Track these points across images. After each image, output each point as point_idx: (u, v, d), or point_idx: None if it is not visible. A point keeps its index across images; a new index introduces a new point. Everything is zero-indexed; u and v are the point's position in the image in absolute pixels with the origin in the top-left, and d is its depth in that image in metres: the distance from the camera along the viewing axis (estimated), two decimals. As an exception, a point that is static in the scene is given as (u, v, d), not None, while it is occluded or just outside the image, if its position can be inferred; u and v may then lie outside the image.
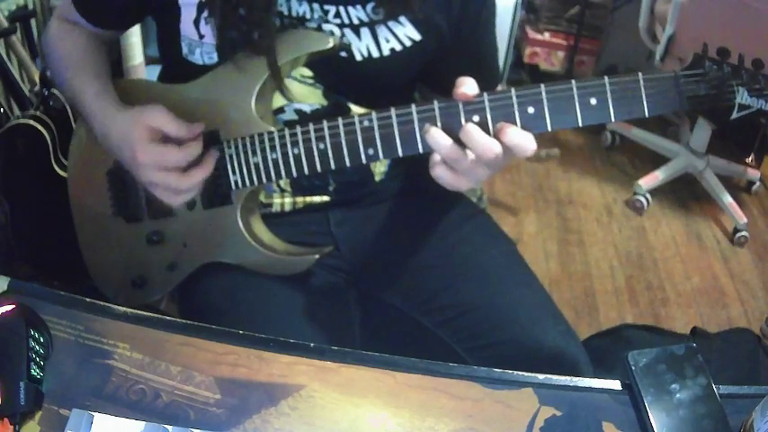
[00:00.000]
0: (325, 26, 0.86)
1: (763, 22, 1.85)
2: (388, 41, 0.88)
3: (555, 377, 0.68)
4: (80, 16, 0.93)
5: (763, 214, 2.52)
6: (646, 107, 0.70)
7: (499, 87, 0.74)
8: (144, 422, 0.61)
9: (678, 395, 0.63)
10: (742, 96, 0.68)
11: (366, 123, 0.77)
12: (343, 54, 0.87)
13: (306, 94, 0.91)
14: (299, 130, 0.81)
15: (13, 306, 0.64)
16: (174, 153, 0.81)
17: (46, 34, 0.98)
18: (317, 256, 0.91)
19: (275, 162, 0.83)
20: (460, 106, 0.72)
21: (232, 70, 0.86)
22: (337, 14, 0.86)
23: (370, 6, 0.86)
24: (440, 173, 0.73)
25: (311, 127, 0.80)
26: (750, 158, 2.68)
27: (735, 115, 0.69)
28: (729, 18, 1.95)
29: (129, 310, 0.70)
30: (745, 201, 2.56)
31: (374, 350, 0.69)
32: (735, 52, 0.69)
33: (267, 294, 0.92)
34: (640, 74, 0.69)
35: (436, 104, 0.73)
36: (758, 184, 2.59)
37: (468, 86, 0.72)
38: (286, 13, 0.86)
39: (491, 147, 0.70)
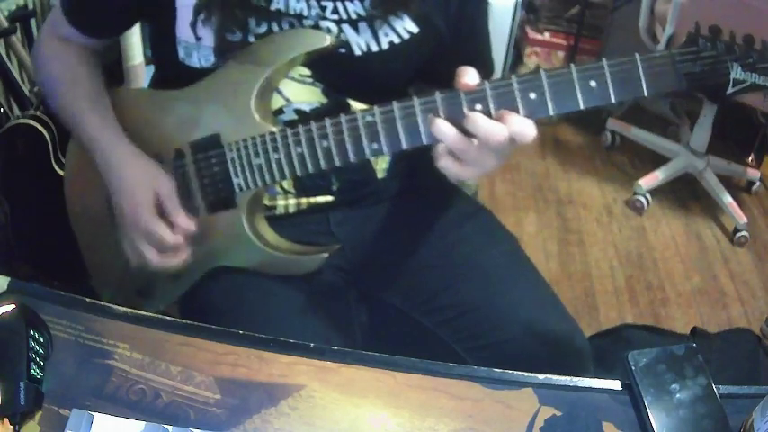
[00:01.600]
0: (323, 23, 0.86)
1: (764, 21, 1.85)
2: (386, 35, 0.88)
3: (555, 377, 0.68)
4: (73, 28, 0.92)
5: (763, 214, 2.52)
6: (644, 87, 0.70)
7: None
8: (144, 422, 0.61)
9: (678, 395, 0.63)
10: (736, 72, 0.68)
11: (369, 118, 0.77)
12: (342, 50, 0.87)
13: (305, 94, 0.91)
14: (301, 129, 0.81)
15: (13, 306, 0.64)
16: (167, 235, 0.87)
17: (35, 52, 0.97)
18: (326, 255, 0.91)
19: (278, 162, 0.83)
20: (462, 95, 0.72)
21: (230, 73, 0.86)
22: (335, 10, 0.86)
23: (367, 0, 0.86)
24: (446, 163, 0.73)
25: (313, 125, 0.80)
26: (750, 158, 2.68)
27: (730, 90, 0.69)
28: (730, 18, 1.95)
29: (129, 310, 0.70)
30: (745, 201, 2.55)
31: (374, 350, 0.69)
32: (727, 33, 0.70)
33: (267, 294, 0.92)
34: (637, 54, 0.70)
35: (438, 95, 0.73)
36: (758, 184, 2.59)
37: (469, 76, 0.72)
38: (283, 10, 0.86)
39: (497, 131, 0.70)
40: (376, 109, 0.76)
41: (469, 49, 0.94)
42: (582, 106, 0.71)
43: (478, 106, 0.72)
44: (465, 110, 0.72)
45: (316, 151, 0.81)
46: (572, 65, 0.71)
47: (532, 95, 0.71)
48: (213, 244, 0.92)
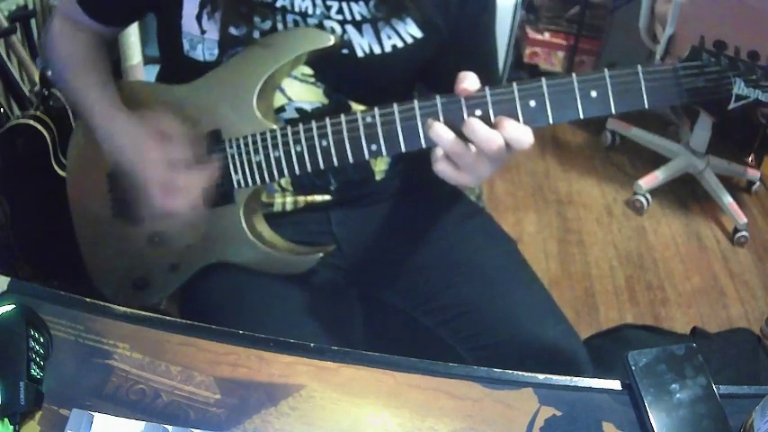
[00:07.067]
0: (327, 22, 0.86)
1: (764, 21, 1.85)
2: (389, 38, 0.88)
3: (555, 377, 0.68)
4: (83, 13, 0.93)
5: (763, 214, 2.52)
6: (646, 99, 0.70)
7: None
8: (144, 422, 0.61)
9: (678, 395, 0.63)
10: (739, 87, 0.69)
11: (369, 119, 0.77)
12: (345, 51, 0.87)
13: (307, 93, 0.91)
14: (301, 127, 0.81)
15: (13, 306, 0.64)
16: (178, 148, 0.85)
17: (47, 33, 0.98)
18: (320, 255, 0.91)
19: (278, 160, 0.83)
20: (462, 101, 0.72)
21: (233, 69, 0.86)
22: (339, 10, 0.86)
23: (372, 3, 0.86)
24: (442, 168, 0.73)
25: (314, 124, 0.80)
26: (750, 158, 2.68)
27: (732, 106, 0.70)
28: (730, 18, 1.95)
29: (129, 310, 0.70)
30: (745, 201, 2.55)
31: (374, 350, 0.69)
32: (732, 48, 0.70)
33: (268, 293, 0.92)
34: (640, 66, 0.70)
35: (438, 99, 0.73)
36: (758, 184, 2.58)
37: (469, 81, 0.72)
38: (289, 8, 0.86)
39: (494, 139, 0.70)
40: (376, 110, 0.77)
41: (471, 51, 0.94)
42: (582, 116, 0.72)
43: (478, 112, 0.72)
44: (464, 115, 0.72)
45: (315, 151, 0.81)
46: (573, 74, 0.71)
47: (532, 103, 0.71)
48: (210, 239, 0.92)
